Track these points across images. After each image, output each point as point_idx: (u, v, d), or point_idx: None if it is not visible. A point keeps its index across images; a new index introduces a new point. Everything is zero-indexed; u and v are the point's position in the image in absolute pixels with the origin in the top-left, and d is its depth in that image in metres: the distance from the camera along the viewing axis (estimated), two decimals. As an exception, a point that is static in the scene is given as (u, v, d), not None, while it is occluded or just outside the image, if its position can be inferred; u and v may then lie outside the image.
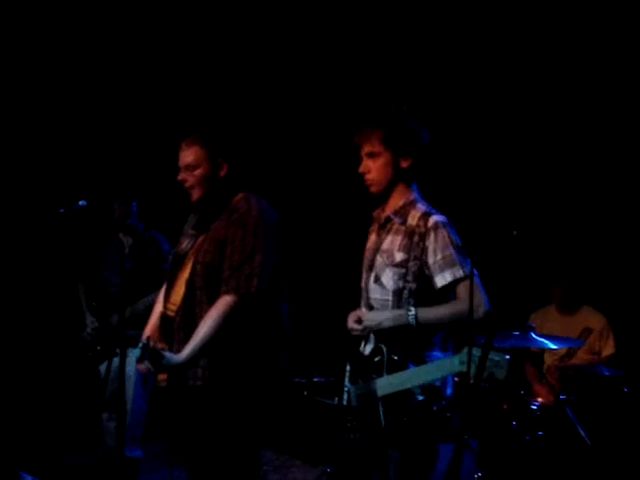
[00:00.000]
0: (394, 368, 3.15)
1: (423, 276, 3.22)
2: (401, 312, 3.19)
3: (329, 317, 6.54)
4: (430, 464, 3.21)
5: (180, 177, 3.54)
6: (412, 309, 3.16)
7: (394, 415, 3.13)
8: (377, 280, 3.31)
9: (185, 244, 3.62)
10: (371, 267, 3.36)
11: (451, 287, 3.19)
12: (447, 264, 3.17)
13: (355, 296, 3.53)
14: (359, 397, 3.26)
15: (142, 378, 5.37)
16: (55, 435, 6.38)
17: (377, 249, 3.36)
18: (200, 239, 3.54)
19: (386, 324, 3.21)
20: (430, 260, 3.20)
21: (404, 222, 3.29)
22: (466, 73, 6.09)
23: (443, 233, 3.21)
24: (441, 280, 3.18)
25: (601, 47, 5.60)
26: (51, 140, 6.89)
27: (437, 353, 3.21)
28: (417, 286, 3.21)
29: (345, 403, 3.36)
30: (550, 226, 5.70)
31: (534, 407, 4.71)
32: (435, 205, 3.39)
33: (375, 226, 3.47)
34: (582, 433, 4.38)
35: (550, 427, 4.60)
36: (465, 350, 2.88)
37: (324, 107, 6.62)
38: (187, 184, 3.53)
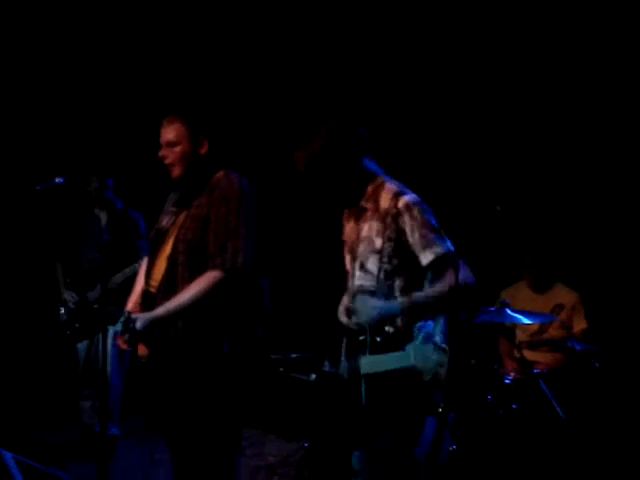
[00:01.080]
0: (376, 349, 3.20)
1: (401, 255, 3.25)
2: (389, 305, 3.22)
3: (306, 294, 6.63)
4: (412, 442, 3.28)
5: (161, 153, 3.55)
6: (398, 300, 3.21)
7: (376, 394, 3.19)
8: (362, 267, 3.35)
9: (166, 221, 3.63)
10: (354, 255, 3.40)
11: (435, 264, 3.23)
12: (426, 243, 3.21)
13: (332, 273, 3.57)
14: (349, 371, 3.33)
15: (118, 355, 5.40)
16: (33, 413, 6.38)
17: (357, 237, 3.39)
18: (181, 216, 3.56)
19: (375, 318, 3.22)
20: (410, 240, 3.23)
21: (377, 206, 3.32)
22: (452, 56, 6.13)
23: (415, 212, 3.24)
24: (424, 259, 3.23)
25: (589, 37, 5.67)
26: (28, 117, 6.84)
27: (430, 322, 3.26)
28: (394, 266, 3.25)
29: (339, 373, 3.44)
30: (523, 202, 5.75)
31: (508, 381, 4.79)
32: (419, 182, 3.43)
33: (350, 216, 3.50)
34: (556, 406, 4.46)
35: (524, 401, 4.68)
36: (417, 344, 3.06)
37: (305, 87, 6.62)
38: (167, 160, 3.54)
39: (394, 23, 6.22)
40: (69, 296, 5.47)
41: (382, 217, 3.28)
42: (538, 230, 5.75)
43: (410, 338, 3.19)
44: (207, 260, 3.42)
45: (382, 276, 3.26)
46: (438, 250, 3.21)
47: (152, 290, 3.53)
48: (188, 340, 3.42)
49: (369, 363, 3.20)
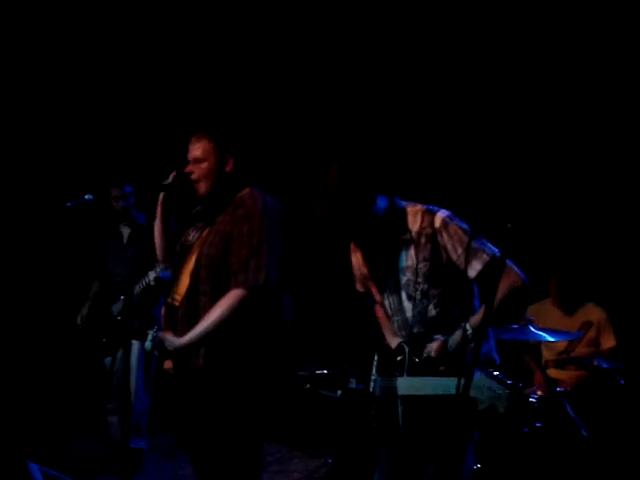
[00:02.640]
0: (414, 371, 3.17)
1: (437, 273, 3.22)
2: (460, 334, 3.15)
3: (331, 310, 6.64)
4: (456, 470, 3.22)
5: (187, 169, 3.62)
6: (468, 327, 3.13)
7: (413, 417, 3.15)
8: (410, 298, 3.29)
9: (192, 236, 3.69)
10: (397, 287, 3.33)
11: (484, 273, 3.17)
12: (470, 254, 3.16)
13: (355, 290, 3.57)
14: (382, 390, 3.28)
15: (144, 369, 5.46)
16: (61, 425, 6.43)
17: (394, 268, 3.32)
18: (205, 232, 3.61)
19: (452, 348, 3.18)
20: (454, 257, 3.19)
21: (409, 234, 3.27)
22: (463, 67, 6.12)
23: (454, 228, 3.21)
24: (472, 271, 3.18)
25: (591, 37, 5.64)
26: (56, 134, 6.94)
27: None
28: (429, 286, 3.22)
29: (371, 391, 3.36)
30: (546, 218, 5.71)
31: (533, 399, 4.77)
32: (431, 200, 3.41)
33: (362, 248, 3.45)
34: (579, 425, 4.44)
35: (548, 419, 4.66)
36: (477, 376, 2.89)
37: (329, 104, 6.67)
38: (194, 176, 3.60)
39: (401, 35, 6.23)
40: (85, 310, 5.59)
41: (415, 240, 3.25)
42: (563, 247, 5.70)
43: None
44: (229, 277, 3.47)
45: (419, 296, 3.24)
46: (484, 256, 3.17)
47: (175, 304, 3.59)
48: (215, 356, 3.47)
49: (407, 386, 3.16)
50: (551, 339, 4.76)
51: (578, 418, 4.43)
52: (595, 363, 4.95)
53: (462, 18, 6.00)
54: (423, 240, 3.23)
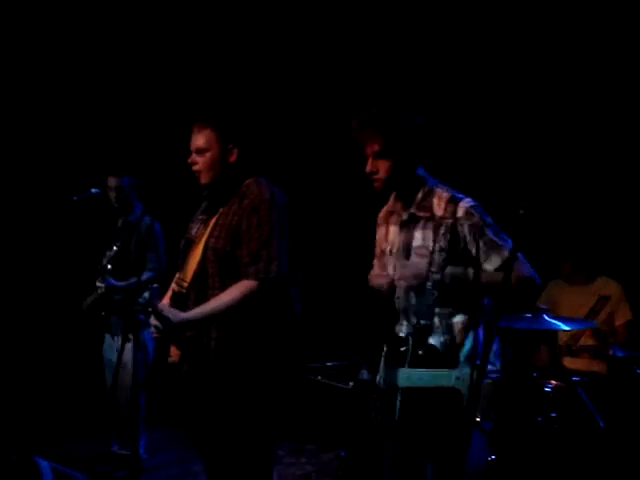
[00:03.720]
0: (417, 363, 3.10)
1: (452, 264, 3.14)
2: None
3: (341, 301, 6.59)
4: (457, 467, 3.10)
5: (190, 159, 3.56)
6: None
7: (411, 409, 3.09)
8: (418, 286, 3.19)
9: (195, 230, 3.63)
10: (402, 263, 3.24)
11: (501, 269, 3.08)
12: (490, 248, 3.10)
13: (364, 279, 3.51)
14: (385, 381, 3.21)
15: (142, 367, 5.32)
16: (67, 425, 6.39)
17: (407, 247, 3.24)
18: (210, 224, 3.56)
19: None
20: (473, 249, 3.11)
21: (431, 214, 3.18)
22: (470, 54, 6.07)
23: (475, 219, 3.12)
24: (490, 265, 3.10)
25: (600, 29, 5.58)
26: (61, 127, 6.92)
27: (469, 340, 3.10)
28: (442, 277, 3.13)
29: (377, 382, 3.29)
30: (556, 202, 5.64)
31: (548, 389, 4.70)
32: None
33: (391, 224, 3.37)
34: (595, 416, 4.37)
35: (563, 409, 4.59)
36: (461, 366, 2.93)
37: (333, 94, 6.61)
38: (196, 167, 3.54)
39: (409, 33, 6.20)
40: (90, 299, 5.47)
41: (436, 226, 3.16)
42: (571, 229, 5.61)
43: (455, 355, 3.07)
44: (239, 269, 3.42)
45: (429, 285, 3.15)
46: (505, 253, 3.09)
47: (183, 291, 3.53)
48: (225, 349, 3.42)
49: (407, 376, 3.09)
50: (566, 328, 4.68)
51: (594, 408, 4.35)
52: (610, 352, 4.88)
53: (479, 23, 5.95)
54: (442, 230, 3.14)
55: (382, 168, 3.20)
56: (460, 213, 3.13)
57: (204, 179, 3.54)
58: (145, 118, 6.88)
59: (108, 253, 5.37)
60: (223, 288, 3.41)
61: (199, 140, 3.53)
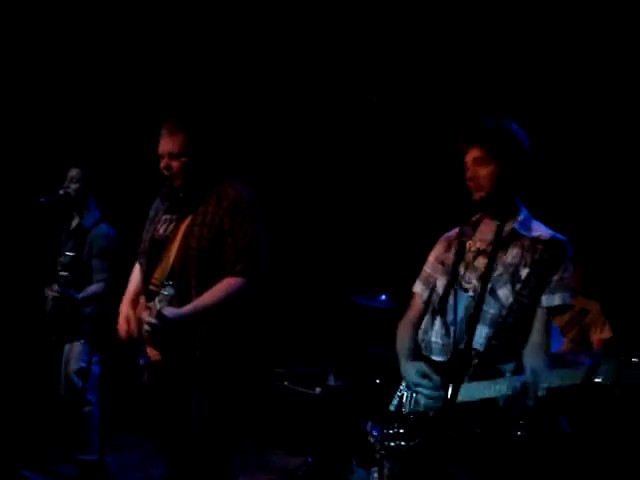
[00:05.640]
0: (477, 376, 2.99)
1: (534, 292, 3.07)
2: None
3: (309, 307, 6.60)
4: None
5: (163, 164, 3.52)
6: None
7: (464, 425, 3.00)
8: (492, 292, 3.08)
9: (163, 229, 3.60)
10: (487, 277, 3.01)
11: (551, 312, 3.06)
12: (561, 286, 3.02)
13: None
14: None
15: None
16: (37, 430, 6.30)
17: (492, 260, 3.02)
18: (185, 223, 3.54)
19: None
20: (550, 282, 3.03)
21: (533, 238, 3.09)
22: (469, 55, 6.04)
23: (570, 264, 3.06)
24: (549, 301, 3.03)
25: (600, 29, 5.60)
26: (29, 128, 6.84)
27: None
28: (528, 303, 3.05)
29: (393, 409, 3.23)
30: (566, 209, 5.62)
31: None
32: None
33: (483, 240, 3.21)
34: (561, 419, 4.41)
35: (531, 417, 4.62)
36: (508, 377, 2.95)
37: (307, 94, 6.61)
38: (171, 172, 3.51)
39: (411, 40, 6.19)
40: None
41: (533, 249, 3.06)
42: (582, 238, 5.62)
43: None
44: (221, 268, 3.45)
45: (516, 307, 3.03)
46: (566, 300, 3.02)
47: (154, 289, 3.51)
48: (212, 347, 3.44)
49: (465, 391, 2.89)
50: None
51: (561, 415, 4.40)
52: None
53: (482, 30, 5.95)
54: (546, 256, 3.04)
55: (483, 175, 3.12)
56: (563, 255, 3.07)
57: (179, 182, 3.53)
58: (113, 117, 6.81)
59: (60, 260, 5.31)
60: (204, 287, 3.43)
61: (173, 145, 3.50)
